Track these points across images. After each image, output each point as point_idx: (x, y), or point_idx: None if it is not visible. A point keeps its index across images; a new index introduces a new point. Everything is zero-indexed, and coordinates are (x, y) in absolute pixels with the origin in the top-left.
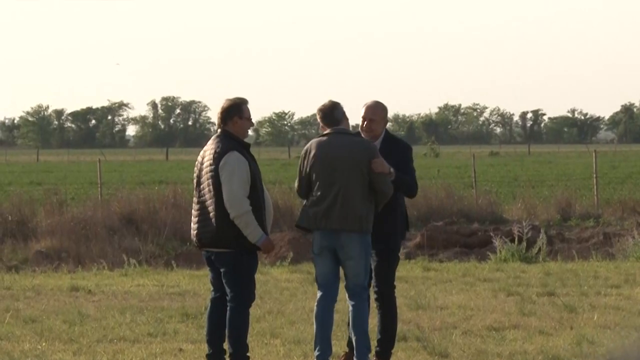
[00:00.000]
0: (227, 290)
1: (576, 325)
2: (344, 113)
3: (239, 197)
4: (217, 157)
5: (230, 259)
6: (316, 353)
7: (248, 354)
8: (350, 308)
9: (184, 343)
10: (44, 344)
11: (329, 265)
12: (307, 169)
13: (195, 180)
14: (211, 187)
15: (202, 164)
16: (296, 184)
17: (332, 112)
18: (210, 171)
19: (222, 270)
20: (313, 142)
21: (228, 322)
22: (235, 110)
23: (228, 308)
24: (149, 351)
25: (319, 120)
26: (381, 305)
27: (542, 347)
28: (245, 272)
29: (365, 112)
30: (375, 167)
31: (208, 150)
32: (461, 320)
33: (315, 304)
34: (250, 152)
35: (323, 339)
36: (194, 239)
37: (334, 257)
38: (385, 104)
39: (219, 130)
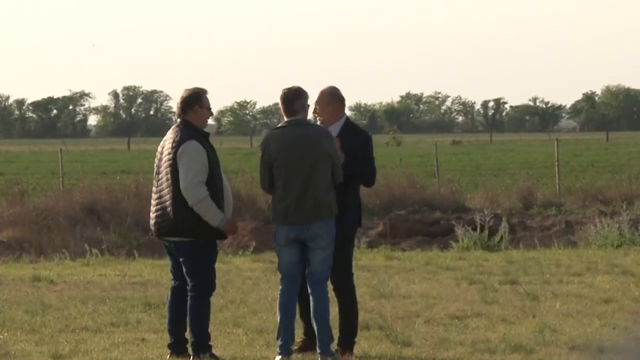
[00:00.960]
0: (187, 279)
1: (538, 314)
2: (304, 105)
3: (195, 184)
4: (176, 146)
5: (189, 248)
6: (279, 343)
7: (210, 343)
8: (312, 297)
9: (147, 333)
10: (5, 334)
11: (295, 255)
12: (268, 163)
13: (155, 170)
14: (169, 175)
15: (161, 153)
16: (260, 179)
17: (293, 102)
18: (169, 160)
19: (181, 259)
20: (271, 135)
21: (189, 312)
22: (195, 99)
23: (189, 297)
24: (111, 341)
25: (280, 104)
26: (340, 295)
27: (505, 335)
28: (204, 262)
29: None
30: None
31: (167, 140)
32: (424, 308)
33: (279, 293)
34: (209, 141)
35: (287, 329)
36: (153, 228)
37: (300, 247)
38: (346, 92)
39: (178, 120)
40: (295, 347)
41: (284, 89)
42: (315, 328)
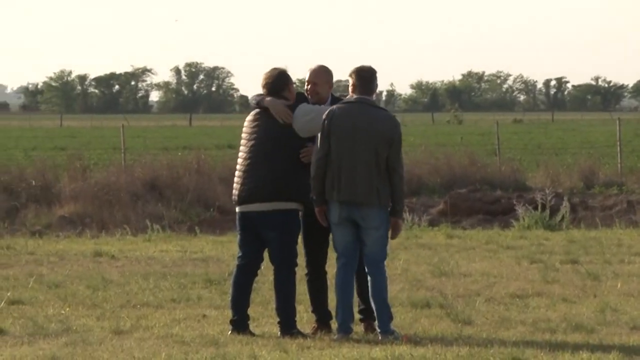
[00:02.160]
0: (276, 254)
1: (599, 293)
2: (376, 85)
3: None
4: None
5: (281, 220)
6: (339, 320)
7: (296, 319)
8: (370, 277)
9: (208, 309)
10: (67, 309)
11: (350, 234)
12: (327, 136)
13: (246, 137)
14: (275, 141)
15: (254, 121)
16: (317, 148)
17: (371, 81)
18: (277, 125)
19: (274, 233)
20: (335, 108)
21: (282, 290)
22: (288, 78)
23: (279, 274)
24: (172, 317)
25: (352, 79)
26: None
27: (566, 314)
28: (293, 236)
29: (309, 76)
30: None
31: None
32: (484, 287)
33: (336, 272)
34: None
35: (345, 307)
36: (241, 194)
37: (354, 225)
38: (408, 69)
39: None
40: (309, 332)
41: (358, 67)
42: (374, 308)
